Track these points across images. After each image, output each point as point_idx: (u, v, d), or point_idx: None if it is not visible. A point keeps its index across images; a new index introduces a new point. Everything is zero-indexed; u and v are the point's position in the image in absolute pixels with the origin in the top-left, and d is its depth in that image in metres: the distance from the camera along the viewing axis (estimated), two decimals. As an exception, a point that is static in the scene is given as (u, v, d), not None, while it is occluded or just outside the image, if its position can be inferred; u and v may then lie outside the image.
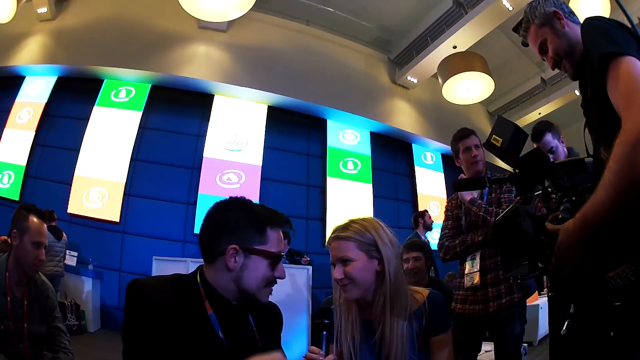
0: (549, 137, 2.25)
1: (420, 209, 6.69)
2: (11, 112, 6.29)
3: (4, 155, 6.15)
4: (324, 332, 1.06)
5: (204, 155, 5.56)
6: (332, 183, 5.98)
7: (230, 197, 1.01)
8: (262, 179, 5.57)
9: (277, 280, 0.97)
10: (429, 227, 4.40)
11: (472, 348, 1.87)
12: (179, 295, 0.89)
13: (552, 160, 1.03)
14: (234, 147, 5.66)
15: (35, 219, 1.57)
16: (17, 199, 5.87)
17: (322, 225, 5.84)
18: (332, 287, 2.50)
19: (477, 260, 1.88)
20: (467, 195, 1.92)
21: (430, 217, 4.44)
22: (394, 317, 1.14)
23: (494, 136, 1.58)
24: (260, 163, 5.65)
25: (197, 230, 5.36)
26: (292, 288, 3.71)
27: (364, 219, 1.27)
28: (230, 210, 0.96)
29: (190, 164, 5.54)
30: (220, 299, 0.92)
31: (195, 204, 5.42)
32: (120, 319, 6.12)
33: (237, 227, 0.93)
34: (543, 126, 2.34)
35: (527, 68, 7.60)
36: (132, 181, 5.43)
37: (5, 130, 6.25)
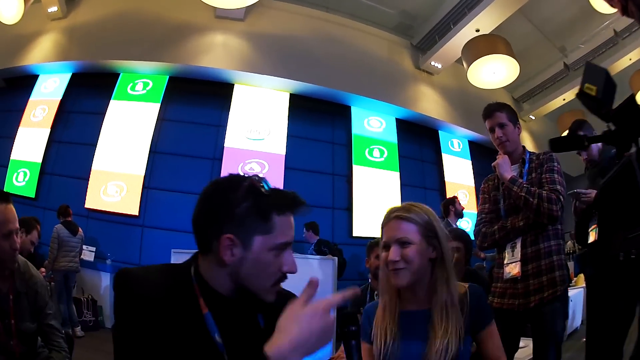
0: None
1: (449, 196, 6.44)
2: (25, 110, 6.23)
3: (19, 153, 6.06)
4: (353, 342, 0.90)
5: (225, 145, 5.39)
6: (358, 171, 5.76)
7: (231, 174, 0.81)
8: (286, 168, 5.38)
9: (288, 275, 0.78)
10: (460, 215, 4.18)
11: (509, 346, 1.61)
12: (170, 289, 0.74)
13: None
14: (256, 137, 5.47)
15: (4, 207, 1.38)
16: (33, 196, 5.76)
17: (349, 215, 5.63)
18: (371, 274, 2.29)
19: (518, 248, 1.69)
20: (508, 173, 1.72)
21: (460, 204, 4.21)
22: (446, 308, 1.09)
23: (586, 85, 1.36)
24: (283, 152, 5.46)
25: None
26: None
27: (422, 205, 1.22)
28: (229, 190, 0.76)
29: (211, 154, 5.38)
30: (216, 296, 0.76)
31: None
32: None
33: (236, 212, 0.74)
34: (575, 126, 2.26)
35: (549, 53, 7.38)
36: (151, 174, 5.28)
37: (20, 129, 6.18)
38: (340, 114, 5.90)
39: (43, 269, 2.44)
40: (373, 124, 6.04)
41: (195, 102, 5.62)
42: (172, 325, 0.71)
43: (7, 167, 6.07)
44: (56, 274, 4.30)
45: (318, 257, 3.99)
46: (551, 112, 7.69)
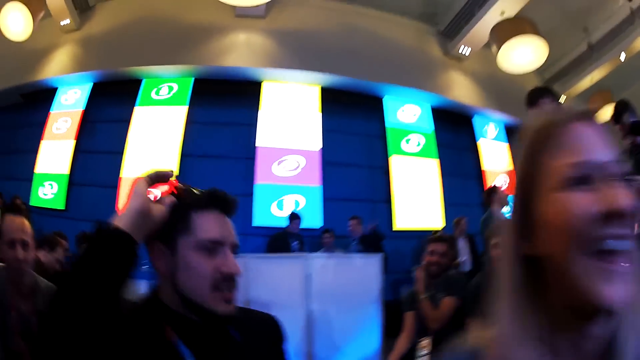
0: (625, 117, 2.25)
1: (487, 185, 6.24)
2: (47, 123, 6.18)
3: (44, 166, 6.00)
4: None
5: (257, 144, 5.26)
6: (395, 162, 5.58)
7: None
8: (322, 163, 5.22)
9: (235, 277, 0.71)
10: (504, 202, 3.95)
11: None
12: (140, 323, 0.70)
13: None
14: (289, 133, 5.33)
15: (6, 217, 1.41)
16: (63, 208, 5.68)
17: (388, 207, 5.45)
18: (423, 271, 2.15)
19: None
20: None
21: (503, 192, 3.99)
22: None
23: None
24: (318, 147, 5.31)
25: (255, 222, 5.10)
26: (361, 279, 3.36)
27: None
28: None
29: (244, 154, 5.25)
30: (178, 318, 0.70)
31: (251, 195, 5.12)
32: None
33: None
34: (621, 108, 2.29)
35: (573, 34, 7.22)
36: (184, 177, 5.06)
37: (43, 142, 6.11)
38: (373, 105, 5.75)
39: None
40: (407, 113, 5.87)
41: (224, 103, 5.51)
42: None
43: (31, 181, 6.03)
44: None
45: (362, 254, 3.88)
46: (581, 92, 7.49)
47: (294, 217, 4.34)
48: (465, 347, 0.48)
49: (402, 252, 5.48)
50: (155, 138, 5.35)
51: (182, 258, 0.70)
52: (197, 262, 0.69)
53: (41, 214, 5.81)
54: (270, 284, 3.17)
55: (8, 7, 4.96)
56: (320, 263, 3.16)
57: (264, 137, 5.28)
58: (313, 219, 5.11)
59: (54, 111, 6.26)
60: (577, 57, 7.42)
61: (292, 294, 3.00)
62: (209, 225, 0.71)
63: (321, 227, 5.05)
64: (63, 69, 6.10)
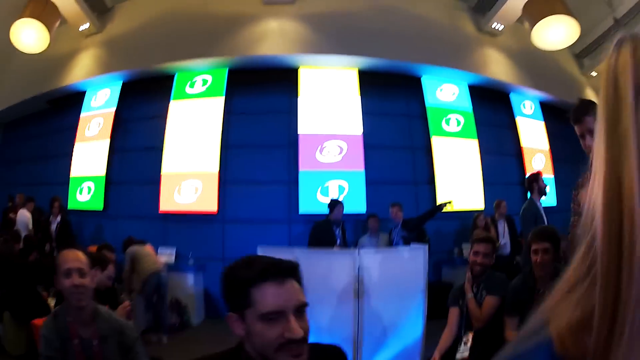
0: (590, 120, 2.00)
1: (526, 163, 6.11)
2: (78, 127, 6.19)
3: (79, 169, 6.02)
4: None
5: (299, 130, 5.19)
6: (437, 143, 5.48)
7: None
8: (364, 147, 5.13)
9: (298, 340, 0.80)
10: (543, 192, 3.93)
11: None
12: None
13: None
14: (330, 118, 5.25)
15: (61, 252, 1.57)
16: (102, 208, 5.68)
17: (432, 188, 5.36)
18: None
19: None
20: None
21: (543, 182, 3.97)
22: None
23: None
24: (360, 132, 5.22)
25: (301, 209, 5.07)
26: (407, 270, 3.33)
27: None
28: (226, 273, 0.89)
29: (286, 141, 5.19)
30: None
31: (297, 182, 5.06)
32: (224, 307, 5.90)
33: (225, 295, 0.88)
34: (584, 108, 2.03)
35: (598, 8, 7.05)
36: (226, 169, 5.12)
37: (76, 145, 6.13)
38: (411, 86, 5.64)
39: (127, 303, 2.44)
40: (446, 92, 5.74)
41: (262, 92, 5.45)
42: None
43: (67, 185, 6.04)
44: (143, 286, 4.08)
45: (407, 247, 3.85)
46: None
47: (335, 204, 4.24)
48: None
49: (444, 232, 5.41)
50: (194, 131, 5.31)
51: (249, 326, 0.82)
52: (261, 331, 0.80)
53: (81, 216, 5.84)
54: (321, 278, 3.15)
55: (18, 24, 4.96)
56: (368, 257, 3.18)
57: (305, 124, 5.21)
58: (358, 204, 5.05)
59: (84, 114, 6.27)
60: (604, 32, 7.25)
61: (342, 287, 3.03)
62: (266, 298, 0.80)
63: (366, 212, 4.98)
64: (89, 72, 6.11)
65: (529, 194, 3.98)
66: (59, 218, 5.17)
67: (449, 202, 4.52)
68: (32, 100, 6.49)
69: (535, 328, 0.43)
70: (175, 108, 5.54)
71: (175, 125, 5.45)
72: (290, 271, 0.84)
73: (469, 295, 2.31)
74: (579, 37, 7.40)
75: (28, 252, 3.37)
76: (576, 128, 1.70)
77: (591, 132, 1.53)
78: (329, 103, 5.32)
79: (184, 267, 4.91)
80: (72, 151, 6.12)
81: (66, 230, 5.18)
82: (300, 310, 0.82)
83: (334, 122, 5.24)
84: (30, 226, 5.45)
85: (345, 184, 5.09)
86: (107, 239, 5.69)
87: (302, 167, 5.05)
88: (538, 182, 3.88)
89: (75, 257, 1.53)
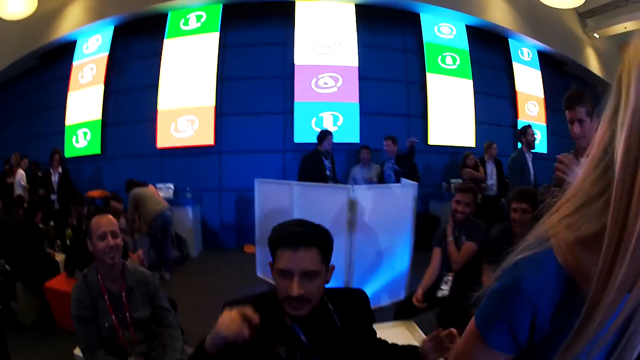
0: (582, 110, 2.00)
1: (519, 107, 6.15)
2: (71, 76, 6.10)
3: (74, 117, 5.98)
4: None
5: (295, 62, 5.16)
6: (431, 79, 5.49)
7: None
8: (359, 79, 5.13)
9: (294, 297, 0.98)
10: (530, 146, 4.02)
11: None
12: (266, 311, 0.99)
13: None
14: (326, 51, 5.21)
15: (94, 218, 1.68)
16: (99, 152, 5.67)
17: (424, 122, 5.41)
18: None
19: None
20: None
21: (532, 134, 4.06)
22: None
23: None
24: (356, 63, 5.20)
25: (296, 139, 5.11)
26: (398, 206, 3.45)
27: None
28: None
29: (282, 73, 5.17)
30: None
31: (292, 112, 5.08)
32: (222, 237, 5.77)
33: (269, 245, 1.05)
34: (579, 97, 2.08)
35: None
36: (222, 102, 5.11)
37: (70, 94, 6.07)
38: (409, 22, 5.59)
39: (140, 251, 2.54)
40: (443, 30, 5.71)
41: (257, 25, 5.37)
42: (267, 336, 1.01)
43: (63, 134, 6.00)
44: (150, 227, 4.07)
45: (399, 184, 3.88)
46: (615, 35, 7.26)
47: (324, 135, 4.18)
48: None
49: (434, 166, 5.49)
50: (189, 67, 5.27)
51: (274, 275, 1.02)
52: (277, 283, 1.01)
53: (79, 162, 5.82)
54: (316, 211, 3.30)
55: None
56: (361, 192, 3.27)
57: (301, 55, 5.18)
58: (351, 135, 5.10)
59: (76, 62, 6.18)
60: (612, 1, 7.13)
61: (336, 220, 3.14)
62: (281, 260, 0.99)
63: (359, 143, 5.03)
64: (79, 22, 5.97)
65: (519, 144, 4.07)
66: (60, 169, 5.09)
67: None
68: (22, 60, 6.35)
69: (539, 240, 0.47)
70: (170, 46, 5.48)
71: (170, 63, 5.40)
72: (308, 241, 0.98)
73: (450, 238, 2.46)
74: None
75: (33, 213, 3.27)
76: (567, 114, 1.76)
77: (580, 121, 1.69)
78: (326, 35, 5.27)
79: (183, 200, 4.95)
80: (66, 100, 6.05)
81: (67, 181, 5.14)
82: (307, 274, 0.97)
83: (330, 54, 5.21)
84: (24, 182, 5.24)
85: (339, 115, 5.11)
86: (106, 182, 5.75)
87: (298, 98, 5.05)
88: (526, 135, 4.00)
89: (109, 221, 1.67)
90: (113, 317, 1.66)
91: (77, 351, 1.95)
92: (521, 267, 0.47)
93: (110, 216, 1.70)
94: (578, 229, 0.45)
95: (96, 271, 1.68)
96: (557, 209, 0.48)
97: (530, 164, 3.92)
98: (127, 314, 1.69)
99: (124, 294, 1.69)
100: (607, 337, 0.43)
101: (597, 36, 7.47)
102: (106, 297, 1.66)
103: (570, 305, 0.45)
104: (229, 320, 0.91)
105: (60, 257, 3.52)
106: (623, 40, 7.09)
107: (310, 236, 0.99)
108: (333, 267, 1.05)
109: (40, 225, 3.55)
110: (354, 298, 1.15)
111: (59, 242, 4.33)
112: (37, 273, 3.02)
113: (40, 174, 5.53)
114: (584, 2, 7.25)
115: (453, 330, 1.10)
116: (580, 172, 0.48)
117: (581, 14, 7.39)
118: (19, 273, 3.04)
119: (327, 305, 1.06)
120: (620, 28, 7.11)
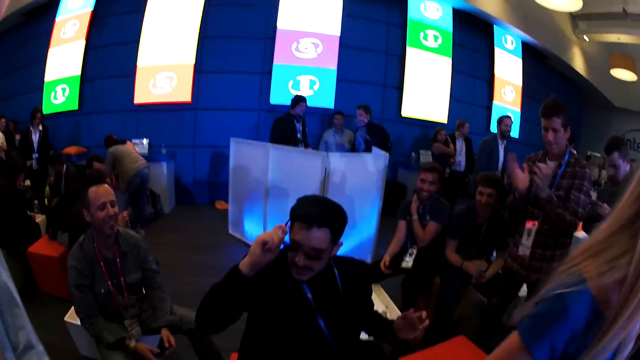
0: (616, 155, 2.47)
1: (496, 91, 6.28)
2: (53, 32, 6.00)
3: (53, 73, 5.88)
4: None
5: (278, 25, 5.17)
6: (411, 53, 5.57)
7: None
8: (340, 46, 5.19)
9: (296, 264, 1.13)
10: (504, 136, 4.15)
11: None
12: (276, 269, 1.18)
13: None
14: (310, 17, 5.22)
15: (92, 189, 1.67)
16: (77, 108, 5.61)
17: (399, 93, 5.49)
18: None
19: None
20: (544, 193, 1.82)
21: (507, 125, 4.17)
22: None
23: None
24: (338, 33, 5.24)
25: (272, 100, 5.13)
26: (368, 174, 3.56)
27: None
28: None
29: (263, 34, 5.17)
30: None
31: (270, 73, 5.10)
32: (195, 193, 5.76)
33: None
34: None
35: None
36: (201, 59, 5.10)
37: (51, 50, 5.97)
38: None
39: (125, 213, 2.42)
40: (430, 9, 5.78)
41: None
42: (277, 292, 1.18)
43: (42, 91, 5.91)
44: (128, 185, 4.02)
45: (371, 154, 3.95)
46: (605, 43, 7.40)
47: (298, 100, 4.22)
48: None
49: (405, 137, 5.61)
50: (172, 24, 5.23)
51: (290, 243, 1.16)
52: (290, 249, 1.14)
53: (57, 118, 5.74)
54: (292, 174, 3.43)
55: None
56: (335, 159, 3.36)
57: (284, 20, 5.19)
58: (326, 100, 5.15)
59: (59, 18, 6.09)
60: (610, 13, 7.23)
61: (310, 184, 3.24)
62: (296, 232, 1.12)
63: (334, 108, 5.09)
64: None
65: (495, 130, 4.21)
66: (40, 128, 4.99)
67: None
68: (6, 18, 6.21)
69: (574, 278, 0.59)
70: (154, 2, 5.44)
71: (153, 20, 5.35)
72: (322, 223, 1.10)
73: (415, 216, 2.56)
74: (585, 3, 7.39)
75: (14, 176, 3.12)
76: (543, 121, 1.88)
77: (555, 130, 1.83)
78: (310, 1, 5.29)
79: (158, 156, 4.93)
80: (47, 57, 5.96)
81: (47, 140, 5.05)
82: (315, 250, 1.11)
83: (314, 20, 5.23)
84: (3, 143, 5.11)
85: (316, 80, 5.15)
86: (83, 138, 5.68)
87: (277, 61, 5.07)
88: (501, 125, 4.14)
89: (106, 191, 1.68)
90: (109, 282, 1.69)
91: (69, 318, 2.02)
92: (568, 299, 0.59)
93: (106, 185, 1.70)
94: (610, 277, 0.57)
95: (92, 239, 1.70)
96: (589, 247, 0.61)
97: (501, 151, 4.08)
98: (122, 279, 1.73)
99: (118, 260, 1.72)
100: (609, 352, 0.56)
101: (587, 39, 7.59)
102: (102, 264, 1.69)
103: (593, 329, 0.57)
104: (273, 232, 1.08)
105: (40, 218, 3.45)
106: (613, 48, 7.23)
107: (325, 219, 1.10)
108: (340, 244, 1.17)
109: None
110: (358, 268, 1.28)
111: (36, 202, 4.27)
112: (20, 238, 2.94)
113: (18, 135, 5.42)
114: (581, 7, 7.38)
115: (424, 313, 1.19)
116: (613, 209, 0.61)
117: (574, 15, 7.51)
118: (1, 239, 2.90)
119: (333, 270, 1.21)
120: (613, 37, 7.23)
